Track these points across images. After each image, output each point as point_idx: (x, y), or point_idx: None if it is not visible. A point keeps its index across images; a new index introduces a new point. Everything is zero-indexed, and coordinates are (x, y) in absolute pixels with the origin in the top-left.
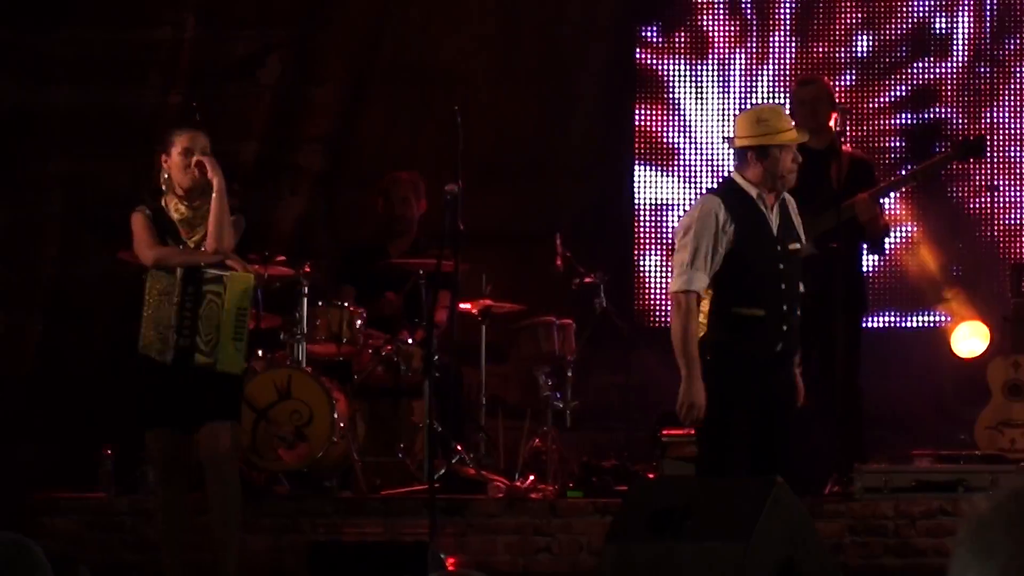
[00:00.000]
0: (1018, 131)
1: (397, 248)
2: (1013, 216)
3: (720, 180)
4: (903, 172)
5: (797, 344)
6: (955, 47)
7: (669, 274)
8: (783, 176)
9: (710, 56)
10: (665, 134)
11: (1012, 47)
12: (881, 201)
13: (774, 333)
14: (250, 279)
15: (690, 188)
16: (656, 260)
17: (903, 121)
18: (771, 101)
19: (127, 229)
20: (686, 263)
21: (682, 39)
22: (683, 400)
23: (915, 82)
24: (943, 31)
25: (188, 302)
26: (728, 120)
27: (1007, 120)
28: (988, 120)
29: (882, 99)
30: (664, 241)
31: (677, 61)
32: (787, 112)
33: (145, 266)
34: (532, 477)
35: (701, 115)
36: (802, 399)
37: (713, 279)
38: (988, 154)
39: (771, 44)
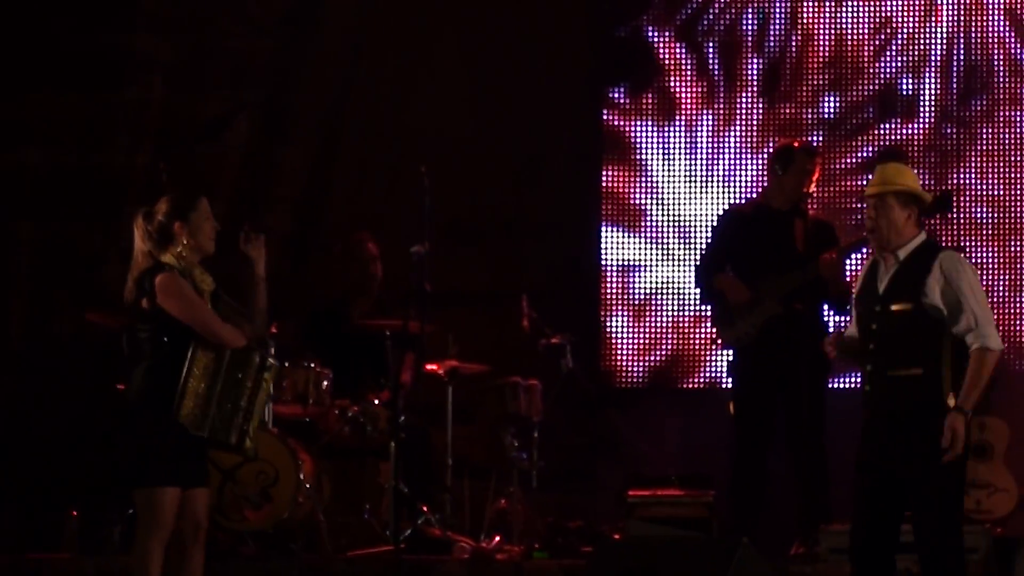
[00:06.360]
0: (984, 191)
1: (359, 309)
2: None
3: None
4: None
5: None
6: (921, 108)
7: (635, 334)
8: None
9: (678, 117)
10: (632, 195)
11: (978, 108)
12: (846, 262)
13: None
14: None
15: (657, 249)
16: (622, 320)
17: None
18: (738, 162)
19: (94, 289)
20: None
21: (650, 100)
22: None
23: (882, 143)
24: (910, 92)
25: (255, 387)
26: (695, 181)
27: (973, 180)
28: (954, 181)
29: (849, 160)
30: (631, 301)
31: (645, 122)
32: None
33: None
34: (498, 538)
35: (669, 176)
36: None
37: None
38: (954, 215)
39: (739, 105)
